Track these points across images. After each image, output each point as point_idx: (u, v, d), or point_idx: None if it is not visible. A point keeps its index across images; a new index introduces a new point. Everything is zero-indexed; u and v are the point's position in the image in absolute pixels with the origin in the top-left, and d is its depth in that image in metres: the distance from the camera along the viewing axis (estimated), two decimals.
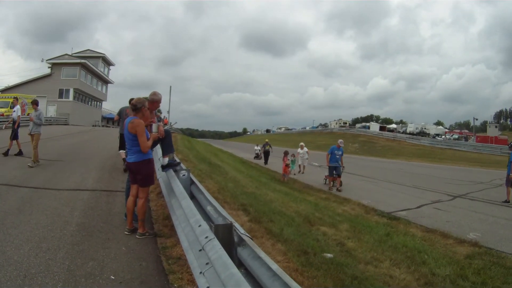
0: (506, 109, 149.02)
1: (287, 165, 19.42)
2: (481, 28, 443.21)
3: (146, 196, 6.18)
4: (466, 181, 20.24)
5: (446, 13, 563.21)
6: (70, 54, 55.08)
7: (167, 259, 5.10)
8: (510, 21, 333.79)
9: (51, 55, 58.00)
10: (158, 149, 8.43)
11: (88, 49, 61.05)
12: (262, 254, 3.19)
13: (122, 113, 11.54)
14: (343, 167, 15.85)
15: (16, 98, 18.08)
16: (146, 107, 6.05)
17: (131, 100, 12.18)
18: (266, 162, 29.47)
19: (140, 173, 6.00)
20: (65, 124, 45.46)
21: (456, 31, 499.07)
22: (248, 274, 3.32)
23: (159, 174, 8.09)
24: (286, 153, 20.37)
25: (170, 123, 36.83)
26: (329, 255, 6.07)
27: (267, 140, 31.77)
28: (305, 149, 23.13)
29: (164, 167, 7.14)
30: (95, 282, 4.26)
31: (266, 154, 30.15)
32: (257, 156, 33.39)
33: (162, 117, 26.58)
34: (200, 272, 3.54)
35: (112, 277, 4.45)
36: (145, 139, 5.82)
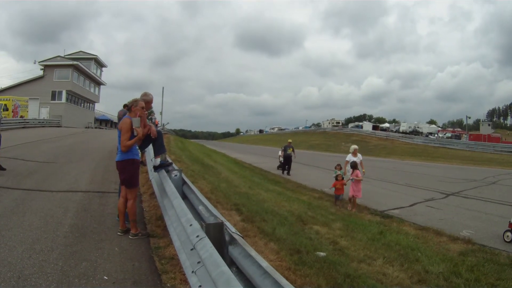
0: (499, 107, 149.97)
1: (340, 178, 12.64)
2: (477, 26, 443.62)
3: (134, 197, 6.20)
4: (459, 179, 20.29)
5: (444, 11, 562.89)
6: (63, 55, 54.70)
7: (160, 259, 5.13)
8: (507, 18, 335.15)
9: (43, 57, 57.77)
10: (150, 149, 8.44)
11: (81, 51, 60.68)
12: (253, 253, 3.22)
13: (118, 116, 12.83)
14: None
15: None
16: (137, 106, 6.07)
17: (125, 105, 12.38)
18: (288, 171, 22.22)
19: (122, 173, 6.08)
20: (58, 126, 45.31)
21: (453, 29, 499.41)
22: (240, 272, 3.36)
23: (152, 175, 8.12)
24: (354, 166, 12.45)
25: (163, 124, 36.67)
26: (321, 253, 6.09)
27: (290, 140, 23.62)
28: (360, 156, 13.94)
29: (156, 168, 7.15)
30: (89, 283, 4.28)
31: (287, 159, 22.36)
32: (281, 164, 23.65)
33: (154, 118, 26.21)
34: (192, 271, 3.56)
35: (105, 277, 4.47)
36: (127, 137, 5.87)
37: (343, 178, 12.66)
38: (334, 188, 12.63)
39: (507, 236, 8.81)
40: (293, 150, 22.47)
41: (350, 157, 13.75)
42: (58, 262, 4.72)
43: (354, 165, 12.36)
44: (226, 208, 8.08)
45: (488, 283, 5.73)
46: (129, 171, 6.05)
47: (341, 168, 13.50)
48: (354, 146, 14.33)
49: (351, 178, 12.07)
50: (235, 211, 8.07)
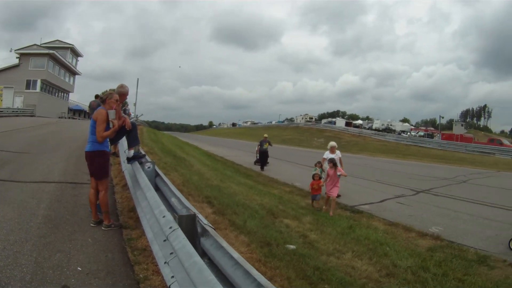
0: (473, 108, 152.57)
1: (317, 177, 11.46)
2: (455, 28, 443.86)
3: (106, 188, 6.23)
4: (430, 177, 20.56)
5: (423, 12, 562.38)
6: (39, 44, 53.96)
7: (133, 250, 5.19)
8: (486, 22, 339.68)
9: (20, 45, 56.77)
10: (124, 141, 8.47)
11: (57, 40, 59.82)
12: (225, 244, 3.32)
13: (91, 106, 13.45)
14: None
15: None
16: (111, 99, 6.12)
17: (97, 96, 12.30)
18: (262, 167, 21.43)
19: (92, 164, 6.11)
20: (32, 116, 44.67)
21: (431, 30, 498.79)
22: (211, 263, 3.44)
23: (125, 167, 8.14)
24: (332, 161, 11.20)
25: (136, 115, 36.34)
26: (291, 246, 6.23)
27: (266, 135, 23.15)
28: (338, 153, 13.23)
29: (130, 160, 7.20)
30: (63, 274, 4.31)
31: (263, 155, 21.88)
32: (258, 160, 23.09)
33: (128, 109, 25.90)
34: (165, 262, 3.65)
35: (79, 268, 4.51)
36: (102, 128, 5.91)
37: (320, 178, 11.53)
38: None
39: None
40: (269, 144, 22.13)
41: (327, 154, 12.88)
42: (32, 254, 4.73)
43: (335, 163, 11.10)
44: (197, 201, 8.16)
45: (456, 278, 5.85)
46: (98, 163, 6.09)
47: (321, 166, 12.62)
48: (332, 143, 13.35)
49: (338, 174, 10.76)
50: (206, 204, 8.17)
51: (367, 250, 6.83)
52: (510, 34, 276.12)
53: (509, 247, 7.67)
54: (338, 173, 10.70)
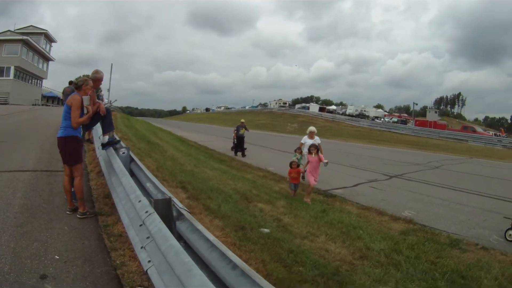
0: (447, 96, 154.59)
1: (295, 165, 10.58)
2: (432, 18, 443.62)
3: (80, 174, 6.23)
4: (403, 162, 20.90)
5: (400, 0, 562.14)
6: (13, 30, 53.11)
7: (109, 237, 5.21)
8: (463, 12, 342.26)
9: None
10: (98, 127, 8.45)
11: (31, 25, 58.91)
12: (200, 227, 3.40)
13: (64, 92, 13.09)
14: None
15: None
16: (87, 85, 6.13)
17: (70, 82, 12.16)
18: (240, 152, 20.72)
19: (64, 150, 6.09)
20: (5, 104, 43.92)
21: (408, 19, 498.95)
22: (188, 246, 3.51)
23: (99, 153, 8.14)
24: (315, 147, 10.54)
25: (110, 101, 35.98)
26: (266, 230, 6.34)
27: (242, 120, 22.23)
28: (317, 139, 12.58)
29: (104, 145, 7.20)
30: (41, 263, 4.33)
31: (240, 140, 20.92)
32: (234, 146, 21.75)
33: (101, 95, 25.65)
34: (141, 247, 3.69)
35: (56, 257, 4.53)
36: (77, 114, 5.90)
37: (298, 166, 10.83)
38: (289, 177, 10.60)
39: (509, 235, 8.04)
40: (246, 129, 21.21)
41: (306, 139, 12.44)
42: (10, 244, 4.73)
43: (318, 149, 10.58)
44: (172, 186, 8.24)
45: (428, 260, 5.93)
46: (71, 148, 6.08)
47: (301, 152, 12.16)
48: (312, 128, 12.81)
49: (324, 162, 10.16)
50: (180, 189, 8.25)
51: (341, 234, 6.91)
52: (487, 26, 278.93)
53: (505, 237, 7.72)
54: (325, 161, 10.24)
